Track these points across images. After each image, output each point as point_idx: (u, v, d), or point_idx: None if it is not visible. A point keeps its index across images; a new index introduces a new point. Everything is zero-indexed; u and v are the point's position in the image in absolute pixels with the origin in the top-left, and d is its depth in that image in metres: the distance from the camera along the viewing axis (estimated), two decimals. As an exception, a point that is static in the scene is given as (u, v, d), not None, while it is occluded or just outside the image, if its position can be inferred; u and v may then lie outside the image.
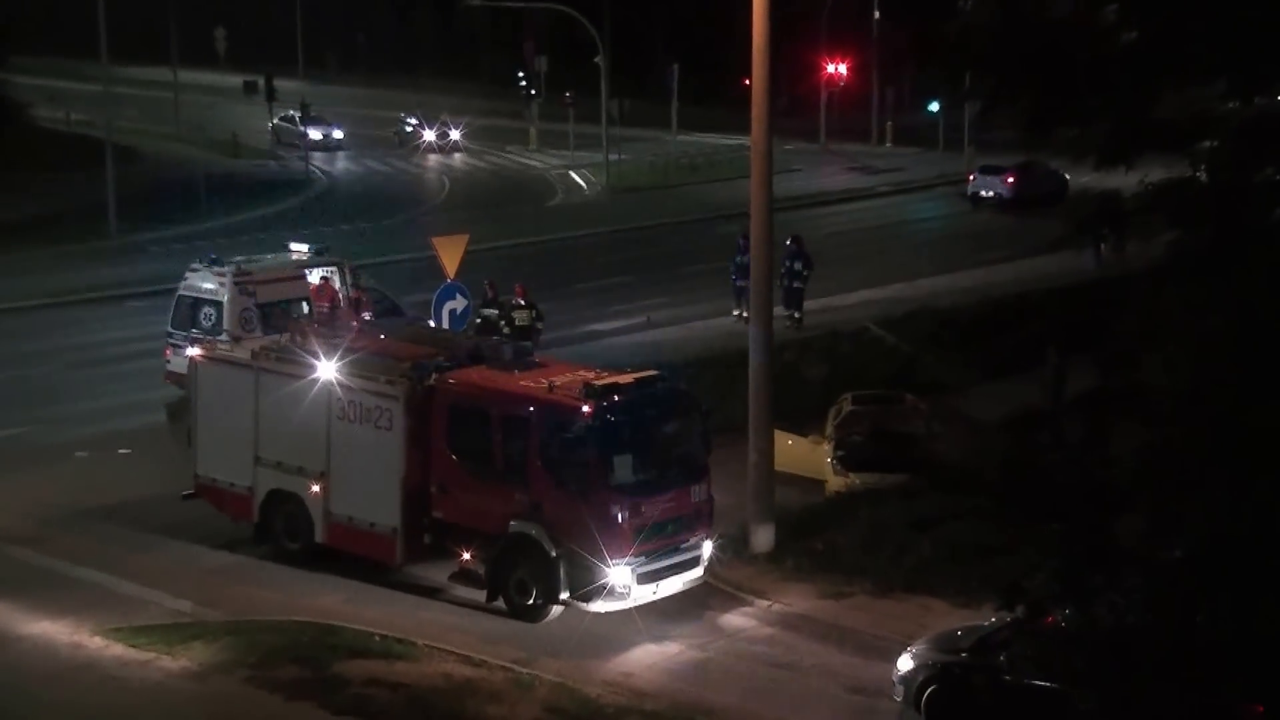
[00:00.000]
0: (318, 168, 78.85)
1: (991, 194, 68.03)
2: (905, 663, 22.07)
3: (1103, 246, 16.97)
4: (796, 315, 42.68)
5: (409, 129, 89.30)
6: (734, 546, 27.07)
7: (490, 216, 61.43)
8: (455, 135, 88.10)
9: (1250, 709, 15.98)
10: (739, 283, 42.03)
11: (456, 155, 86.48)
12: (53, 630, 24.44)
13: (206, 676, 22.80)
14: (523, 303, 37.14)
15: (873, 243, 60.15)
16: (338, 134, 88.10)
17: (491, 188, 76.05)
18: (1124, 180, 15.71)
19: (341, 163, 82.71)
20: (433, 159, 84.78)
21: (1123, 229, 16.12)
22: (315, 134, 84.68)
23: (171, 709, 22.23)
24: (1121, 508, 15.71)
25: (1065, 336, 30.89)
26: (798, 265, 42.93)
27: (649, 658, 24.03)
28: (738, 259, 41.99)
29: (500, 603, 25.22)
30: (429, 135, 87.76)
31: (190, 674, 22.90)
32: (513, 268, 45.62)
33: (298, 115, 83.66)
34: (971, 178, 70.21)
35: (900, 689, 22.01)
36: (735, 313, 42.77)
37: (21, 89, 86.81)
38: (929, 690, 21.67)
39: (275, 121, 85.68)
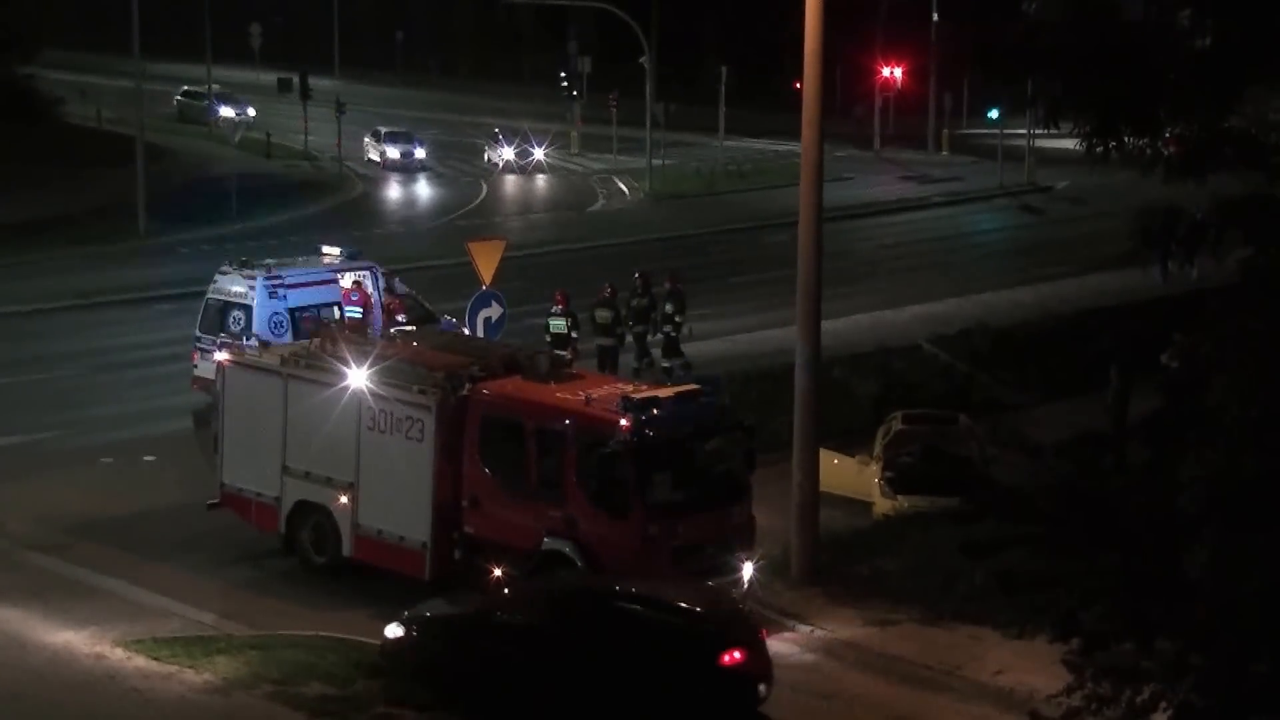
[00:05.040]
0: (351, 169, 77.47)
1: None
2: (395, 630, 22.44)
3: (1171, 263, 16.36)
4: (667, 365, 37.61)
5: (497, 147, 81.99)
6: (776, 569, 26.28)
7: (528, 221, 60.79)
8: (539, 154, 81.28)
9: None
10: (636, 328, 38.62)
11: (540, 176, 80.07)
12: (75, 640, 24.08)
13: (229, 692, 22.34)
14: (559, 309, 36.35)
15: (926, 255, 59.31)
16: (420, 153, 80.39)
17: (530, 192, 75.29)
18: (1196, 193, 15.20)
19: (421, 184, 77.68)
20: (510, 180, 78.72)
21: (1193, 244, 15.60)
22: (395, 152, 79.93)
23: (193, 724, 21.84)
24: (1187, 538, 15.17)
25: (1129, 356, 30.59)
26: (668, 308, 38.20)
27: (686, 683, 23.30)
28: (632, 302, 38.39)
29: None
30: (508, 153, 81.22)
31: (213, 689, 22.45)
32: (550, 275, 45.03)
33: (384, 131, 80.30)
34: None
35: (395, 660, 22.39)
36: (645, 360, 38.53)
37: (52, 84, 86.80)
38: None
39: (366, 139, 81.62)
